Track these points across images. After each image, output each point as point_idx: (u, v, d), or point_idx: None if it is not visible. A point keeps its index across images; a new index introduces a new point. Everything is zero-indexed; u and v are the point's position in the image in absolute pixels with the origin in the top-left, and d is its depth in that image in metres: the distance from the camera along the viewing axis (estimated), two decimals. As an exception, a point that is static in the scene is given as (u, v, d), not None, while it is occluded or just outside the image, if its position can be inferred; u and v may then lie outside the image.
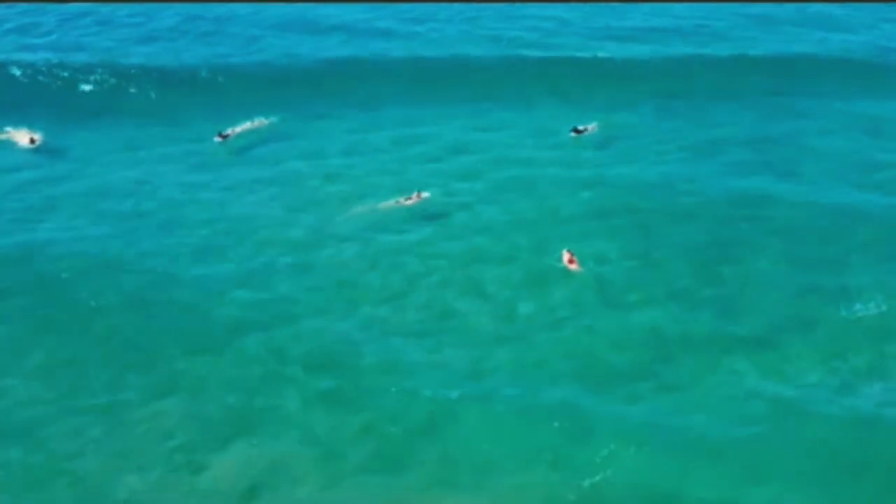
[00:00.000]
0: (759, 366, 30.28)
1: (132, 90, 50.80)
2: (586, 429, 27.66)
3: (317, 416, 28.50)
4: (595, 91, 49.79)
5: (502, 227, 38.11)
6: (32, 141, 45.34)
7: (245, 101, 48.67)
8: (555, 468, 26.38)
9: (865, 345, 31.10)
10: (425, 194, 39.32)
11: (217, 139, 45.38)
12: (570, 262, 35.09)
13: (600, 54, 54.23)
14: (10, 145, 45.58)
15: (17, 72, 52.47)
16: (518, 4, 62.59)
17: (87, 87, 51.03)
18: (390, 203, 39.26)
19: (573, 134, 45.38)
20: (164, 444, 27.55)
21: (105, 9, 62.28)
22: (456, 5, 62.68)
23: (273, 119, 47.29)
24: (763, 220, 38.43)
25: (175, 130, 46.97)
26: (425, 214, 38.77)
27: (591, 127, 45.88)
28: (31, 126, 46.23)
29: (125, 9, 62.21)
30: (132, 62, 54.03)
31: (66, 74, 51.97)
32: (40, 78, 51.86)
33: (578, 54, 54.22)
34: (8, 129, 46.73)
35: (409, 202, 39.08)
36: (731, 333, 31.74)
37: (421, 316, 32.95)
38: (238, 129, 46.15)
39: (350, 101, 49.52)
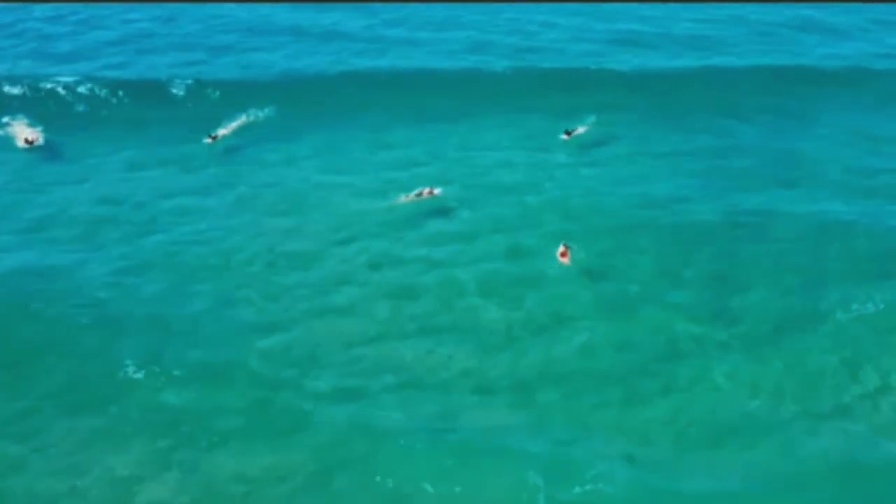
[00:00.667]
0: (753, 374, 30.13)
1: (112, 96, 49.38)
2: (577, 437, 27.59)
3: (311, 424, 28.09)
4: (586, 97, 49.03)
5: (493, 229, 37.91)
6: (28, 141, 44.15)
7: (231, 106, 47.83)
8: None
9: (861, 351, 31.14)
10: (437, 191, 39.12)
11: (207, 140, 44.66)
12: (563, 255, 34.90)
13: (592, 63, 53.63)
14: (6, 143, 44.68)
15: None
16: (515, 5, 62.37)
17: (66, 93, 49.37)
18: (401, 199, 39.03)
19: (565, 136, 45.07)
20: (156, 453, 27.18)
21: (87, 10, 61.12)
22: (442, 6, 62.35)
23: (261, 115, 46.87)
24: (757, 227, 38.24)
25: (159, 135, 46.10)
26: (418, 217, 38.46)
27: (582, 129, 45.66)
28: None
29: (104, 9, 61.31)
30: (112, 66, 53.06)
31: (43, 77, 50.59)
32: (19, 82, 50.22)
33: (570, 64, 53.68)
34: (7, 120, 45.75)
35: (419, 198, 38.86)
36: (725, 340, 31.65)
37: (412, 319, 32.58)
38: (227, 129, 45.59)
39: (337, 108, 48.78)
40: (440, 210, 38.87)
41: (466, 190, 40.51)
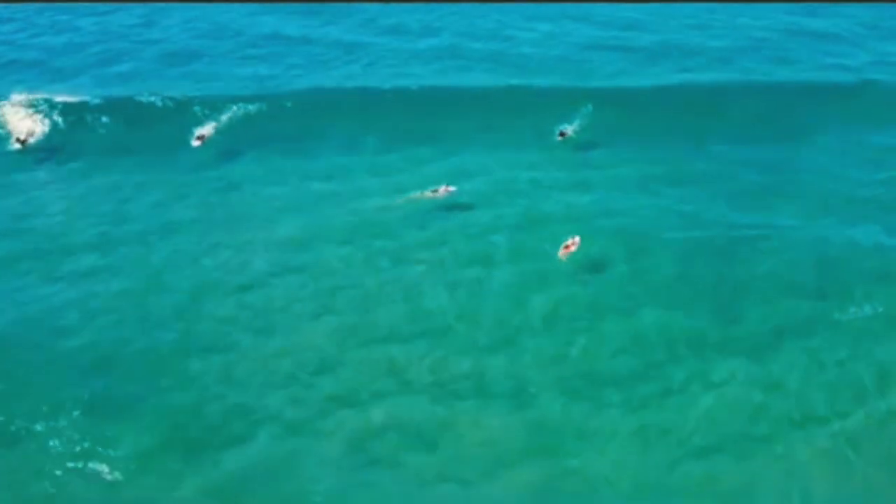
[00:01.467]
0: (751, 381, 29.76)
1: (92, 106, 47.55)
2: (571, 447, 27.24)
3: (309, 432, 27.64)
4: (578, 105, 47.98)
5: (485, 232, 37.38)
6: (19, 141, 42.95)
7: (215, 110, 47.14)
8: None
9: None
10: (452, 188, 39.20)
11: (195, 143, 43.90)
12: (566, 248, 34.90)
13: (581, 70, 52.69)
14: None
15: None
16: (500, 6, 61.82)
17: (43, 103, 47.22)
18: (416, 195, 38.94)
19: (559, 137, 44.89)
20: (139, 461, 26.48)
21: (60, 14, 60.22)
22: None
23: (245, 118, 46.42)
24: (755, 237, 37.49)
25: (140, 145, 44.87)
26: (414, 218, 38.03)
27: (576, 127, 45.81)
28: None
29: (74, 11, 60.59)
30: (90, 73, 52.13)
31: (18, 83, 49.31)
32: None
33: (560, 71, 52.72)
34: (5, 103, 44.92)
35: (435, 194, 38.92)
36: (722, 347, 31.16)
37: (403, 324, 32.02)
38: (211, 126, 45.24)
39: (323, 115, 47.60)
40: (427, 215, 38.27)
41: (459, 194, 39.74)
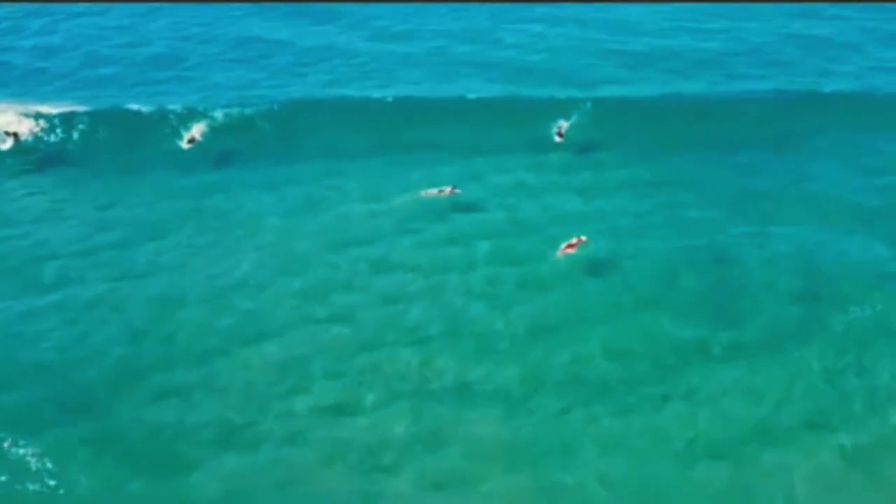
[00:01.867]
0: (752, 385, 29.36)
1: (76, 115, 46.32)
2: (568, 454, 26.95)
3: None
4: (574, 109, 47.45)
5: (479, 236, 36.83)
6: (9, 134, 42.37)
7: (197, 116, 46.35)
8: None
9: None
10: (457, 190, 39.40)
11: (186, 145, 43.57)
12: (569, 247, 34.65)
13: (575, 85, 51.30)
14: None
15: None
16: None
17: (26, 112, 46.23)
18: (420, 194, 39.05)
19: (557, 138, 44.66)
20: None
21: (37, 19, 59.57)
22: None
23: (235, 113, 45.97)
24: (754, 243, 36.92)
25: (126, 151, 44.12)
26: (405, 223, 37.52)
27: (570, 123, 45.68)
28: None
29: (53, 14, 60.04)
30: (72, 79, 51.51)
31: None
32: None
33: (554, 80, 51.45)
34: None
35: (441, 194, 39.14)
36: (722, 350, 30.74)
37: (399, 328, 31.60)
38: (199, 128, 44.82)
39: (309, 124, 46.82)
40: (418, 220, 37.77)
41: (452, 200, 39.30)
